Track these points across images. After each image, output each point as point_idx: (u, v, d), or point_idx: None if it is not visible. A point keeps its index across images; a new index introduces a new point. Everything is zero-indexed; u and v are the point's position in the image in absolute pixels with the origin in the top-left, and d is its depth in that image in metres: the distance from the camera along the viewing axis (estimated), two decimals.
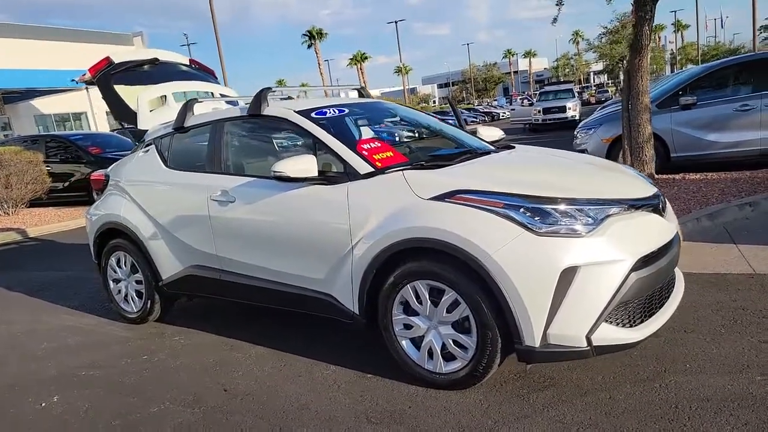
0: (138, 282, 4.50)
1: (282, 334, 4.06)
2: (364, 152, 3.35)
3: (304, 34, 58.88)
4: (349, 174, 3.27)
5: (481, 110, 44.80)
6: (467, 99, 79.60)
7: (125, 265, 4.56)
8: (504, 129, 4.77)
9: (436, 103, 74.87)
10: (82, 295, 5.68)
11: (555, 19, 9.76)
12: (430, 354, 3.03)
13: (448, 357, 2.99)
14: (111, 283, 4.72)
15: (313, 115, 3.65)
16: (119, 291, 4.66)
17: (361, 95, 4.76)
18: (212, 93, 5.34)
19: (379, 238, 3.03)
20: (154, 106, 4.81)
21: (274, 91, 3.90)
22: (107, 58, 4.92)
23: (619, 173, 3.46)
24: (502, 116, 46.61)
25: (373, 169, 3.24)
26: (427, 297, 2.96)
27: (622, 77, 9.85)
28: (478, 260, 2.71)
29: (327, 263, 3.33)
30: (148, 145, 4.48)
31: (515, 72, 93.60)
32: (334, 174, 3.33)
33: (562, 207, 2.74)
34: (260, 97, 3.78)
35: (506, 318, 2.72)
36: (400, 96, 74.72)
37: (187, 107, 4.24)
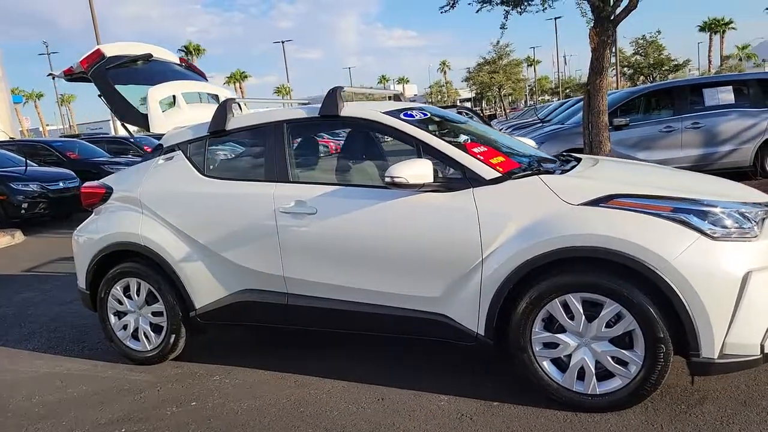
0: (156, 314, 3.77)
1: (345, 364, 3.57)
2: (479, 156, 3.05)
3: (180, 50, 56.18)
4: (471, 179, 2.96)
5: None
6: None
7: (138, 295, 3.79)
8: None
9: None
10: (41, 334, 4.70)
11: (502, 33, 10.07)
12: (580, 374, 2.78)
13: (603, 376, 2.76)
14: (112, 317, 3.91)
15: (402, 116, 3.29)
16: (125, 326, 3.87)
17: (398, 101, 4.43)
18: (217, 96, 4.71)
19: (521, 249, 2.74)
20: (163, 108, 4.11)
21: (344, 91, 3.47)
22: (98, 51, 4.14)
23: (716, 179, 3.46)
24: None
25: (499, 174, 2.95)
26: (581, 311, 2.72)
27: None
28: (654, 269, 2.53)
29: (444, 279, 2.97)
30: (169, 151, 3.80)
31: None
32: (449, 179, 3.00)
33: (727, 210, 2.65)
34: (336, 97, 3.34)
35: (684, 329, 2.56)
36: None
37: (226, 108, 3.66)
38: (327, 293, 3.26)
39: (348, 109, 3.34)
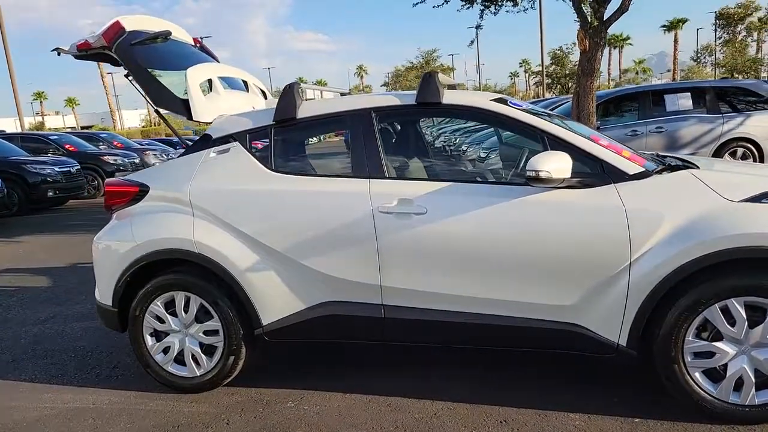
0: (209, 333, 3.21)
1: (443, 383, 3.20)
2: (612, 150, 2.80)
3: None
4: (611, 175, 2.70)
5: None
6: None
7: (185, 311, 3.21)
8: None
9: None
10: (30, 361, 3.94)
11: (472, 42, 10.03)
12: (737, 384, 2.59)
13: (761, 385, 2.58)
14: (148, 338, 3.29)
15: (510, 104, 2.98)
16: (166, 349, 3.27)
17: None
18: (246, 82, 4.17)
19: (680, 250, 2.52)
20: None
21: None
22: (118, 23, 3.48)
23: None
24: (312, 141, 46.91)
25: (642, 169, 2.71)
26: (744, 317, 2.52)
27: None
28: None
29: (582, 285, 2.68)
30: (223, 143, 3.25)
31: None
32: (587, 175, 2.72)
33: None
34: (435, 83, 2.97)
35: None
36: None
37: (294, 93, 3.18)
38: (436, 304, 2.88)
39: (451, 97, 2.99)
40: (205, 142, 3.31)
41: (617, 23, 7.44)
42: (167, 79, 3.49)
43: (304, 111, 3.18)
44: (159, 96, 3.42)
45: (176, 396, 3.26)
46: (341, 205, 2.95)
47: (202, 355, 3.23)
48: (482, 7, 9.33)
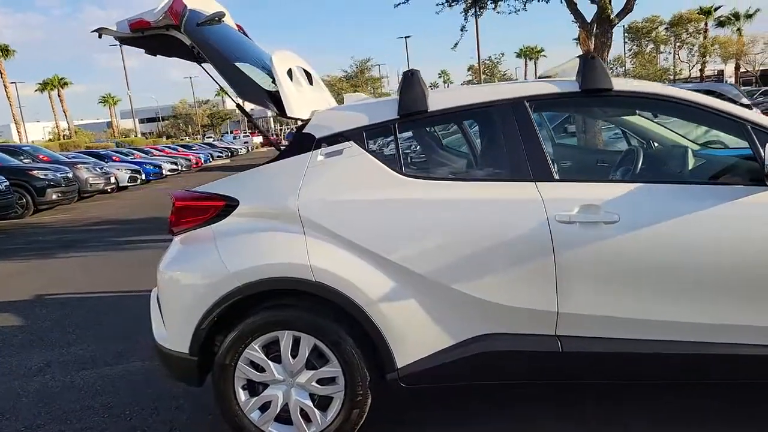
0: (324, 381, 2.55)
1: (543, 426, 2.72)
2: None
3: None
4: None
5: (219, 145, 42.54)
6: (178, 135, 75.47)
7: (293, 356, 2.53)
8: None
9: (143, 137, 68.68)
10: (66, 423, 3.10)
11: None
12: None
13: None
14: (241, 393, 2.59)
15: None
16: (265, 404, 2.58)
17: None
18: (308, 73, 3.51)
19: None
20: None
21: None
22: None
23: None
24: (240, 152, 45.41)
25: None
26: None
27: None
28: None
29: None
30: (332, 143, 2.61)
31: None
32: None
33: None
34: (601, 68, 2.51)
35: None
36: (102, 129, 66.89)
37: (419, 81, 2.61)
38: (630, 332, 2.39)
39: (625, 84, 2.53)
40: (305, 143, 2.65)
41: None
42: (244, 67, 2.82)
43: (435, 103, 2.61)
44: (242, 86, 2.73)
45: None
46: (504, 215, 2.41)
47: (315, 409, 2.56)
48: (463, 9, 9.03)
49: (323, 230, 2.49)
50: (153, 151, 28.63)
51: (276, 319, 2.54)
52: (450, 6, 8.94)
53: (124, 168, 19.37)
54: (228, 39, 3.01)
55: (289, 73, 3.00)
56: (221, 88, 2.75)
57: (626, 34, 49.54)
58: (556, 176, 2.46)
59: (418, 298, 2.46)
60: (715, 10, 45.03)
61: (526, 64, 70.35)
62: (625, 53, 53.07)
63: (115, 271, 6.90)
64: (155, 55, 3.23)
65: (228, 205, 2.61)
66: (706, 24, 44.09)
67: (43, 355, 4.21)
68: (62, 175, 13.83)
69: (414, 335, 2.48)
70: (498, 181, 2.50)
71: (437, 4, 8.90)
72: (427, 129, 2.79)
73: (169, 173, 24.01)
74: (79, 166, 15.76)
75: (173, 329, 2.65)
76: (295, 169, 2.61)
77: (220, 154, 37.27)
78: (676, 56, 49.60)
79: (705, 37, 43.11)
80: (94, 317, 5.02)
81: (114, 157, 21.80)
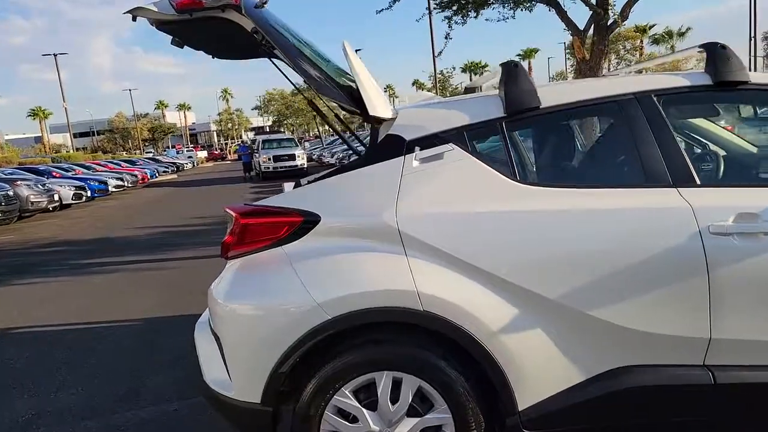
0: (430, 430, 2.12)
1: None
2: None
3: None
4: None
5: (164, 160, 40.88)
6: (115, 150, 72.49)
7: (393, 401, 2.09)
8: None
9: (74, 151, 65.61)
10: None
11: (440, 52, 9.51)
12: None
13: None
14: None
15: None
16: None
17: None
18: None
19: None
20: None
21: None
22: None
23: None
24: (186, 167, 43.94)
25: None
26: None
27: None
28: None
29: None
30: (427, 146, 2.20)
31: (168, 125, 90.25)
32: None
33: None
34: (733, 57, 2.22)
35: None
36: (30, 144, 63.43)
37: (525, 74, 2.24)
38: None
39: (762, 77, 2.24)
40: (394, 146, 2.23)
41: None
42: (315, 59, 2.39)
43: (548, 98, 2.25)
44: (318, 79, 2.29)
45: None
46: (645, 226, 2.06)
47: None
48: (446, 16, 8.81)
49: (429, 250, 2.07)
50: (95, 166, 27.09)
51: (374, 358, 2.09)
52: (435, 13, 8.71)
53: (68, 185, 18.13)
54: (283, 25, 2.57)
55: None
56: (294, 85, 2.30)
57: (567, 51, 51.26)
58: (698, 181, 2.14)
59: (544, 326, 2.08)
60: (650, 28, 47.10)
61: (471, 78, 71.95)
62: (566, 68, 54.94)
63: (85, 298, 6.16)
64: (182, 47, 2.74)
65: (307, 221, 2.15)
66: (641, 41, 45.95)
67: (27, 403, 3.56)
68: (3, 193, 12.70)
69: (539, 371, 2.09)
70: (630, 188, 2.16)
71: (424, 15, 8.65)
72: (540, 128, 2.43)
73: (114, 190, 22.75)
74: (19, 182, 14.55)
75: (240, 373, 2.15)
76: (387, 177, 2.18)
77: (166, 170, 35.80)
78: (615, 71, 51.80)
79: (641, 54, 44.89)
80: (79, 354, 4.36)
81: (54, 173, 20.41)
